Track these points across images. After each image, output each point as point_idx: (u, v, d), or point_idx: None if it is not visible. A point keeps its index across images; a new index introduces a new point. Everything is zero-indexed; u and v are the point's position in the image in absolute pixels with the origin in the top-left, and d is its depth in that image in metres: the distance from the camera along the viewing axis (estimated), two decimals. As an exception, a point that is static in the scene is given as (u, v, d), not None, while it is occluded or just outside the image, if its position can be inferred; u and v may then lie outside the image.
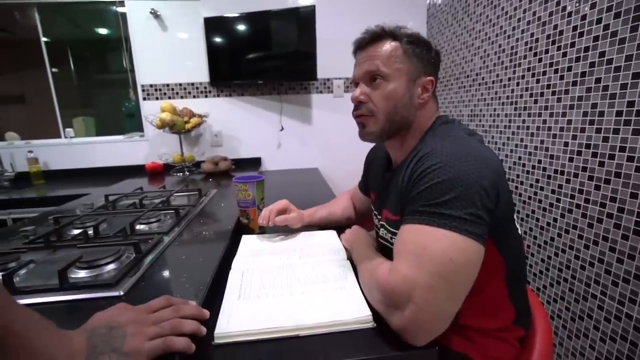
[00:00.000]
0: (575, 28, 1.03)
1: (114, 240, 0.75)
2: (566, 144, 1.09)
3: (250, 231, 0.93)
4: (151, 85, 1.89)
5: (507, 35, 1.33)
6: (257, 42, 1.84)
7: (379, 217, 0.74)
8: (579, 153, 1.05)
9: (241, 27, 1.82)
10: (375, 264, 0.58)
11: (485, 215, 0.48)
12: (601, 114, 0.97)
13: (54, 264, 0.66)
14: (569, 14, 1.05)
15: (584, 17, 1.00)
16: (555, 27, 1.10)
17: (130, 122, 2.23)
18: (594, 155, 1.00)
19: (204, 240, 0.81)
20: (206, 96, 1.94)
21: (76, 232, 0.85)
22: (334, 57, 1.95)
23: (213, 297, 0.58)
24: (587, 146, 1.02)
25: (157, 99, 1.90)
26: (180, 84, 1.90)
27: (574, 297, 1.09)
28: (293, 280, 0.63)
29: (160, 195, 1.18)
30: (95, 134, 2.18)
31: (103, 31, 2.26)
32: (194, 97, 1.93)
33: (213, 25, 1.81)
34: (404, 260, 0.49)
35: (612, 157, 0.94)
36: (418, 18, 2.04)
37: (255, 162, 2.04)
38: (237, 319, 0.52)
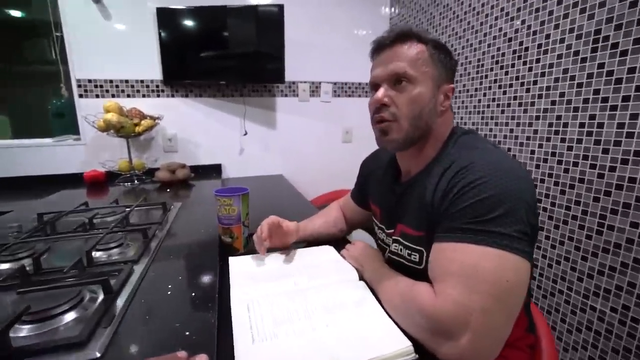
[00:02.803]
0: (540, 46, 1.12)
1: (69, 277, 0.58)
2: (532, 152, 1.17)
3: (234, 251, 0.82)
4: (90, 81, 1.61)
5: (474, 48, 1.41)
6: (217, 38, 1.69)
7: (389, 231, 0.70)
8: (545, 160, 1.13)
9: (200, 21, 1.66)
10: (407, 286, 0.53)
11: (530, 231, 0.46)
12: (565, 125, 1.05)
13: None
14: (534, 32, 1.13)
15: (548, 37, 1.09)
16: (521, 43, 1.18)
17: (60, 123, 1.89)
18: (559, 162, 1.08)
19: (187, 267, 0.68)
20: (158, 95, 1.72)
21: (6, 266, 0.66)
22: (299, 60, 1.89)
23: (222, 342, 0.47)
24: (553, 154, 1.10)
25: (97, 96, 1.63)
26: (127, 81, 1.66)
27: (541, 294, 1.17)
28: (310, 311, 0.55)
29: (114, 211, 0.99)
30: (10, 136, 1.80)
31: (18, 13, 1.88)
32: (144, 96, 1.70)
33: (167, 17, 1.61)
34: (453, 282, 0.45)
35: (576, 164, 1.03)
36: (380, 28, 2.08)
37: (215, 169, 1.87)
38: (260, 370, 0.42)
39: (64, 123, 1.83)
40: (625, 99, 0.89)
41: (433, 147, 0.61)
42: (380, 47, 0.61)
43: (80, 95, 1.61)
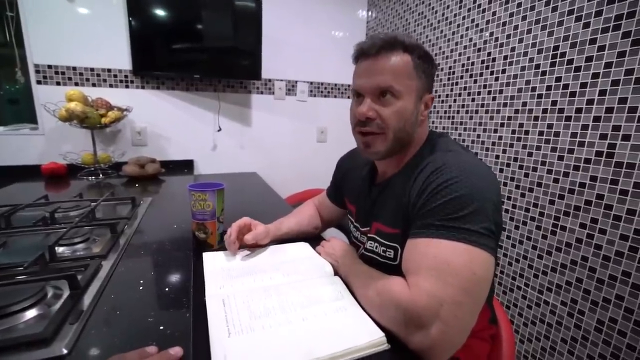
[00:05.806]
0: (505, 57, 1.19)
1: (30, 273, 0.55)
2: (497, 157, 1.25)
3: (208, 247, 0.80)
4: (50, 67, 1.51)
5: (446, 56, 1.47)
6: (191, 30, 1.64)
7: (364, 230, 0.72)
8: (508, 165, 1.21)
9: (173, 11, 1.60)
10: (381, 280, 0.55)
11: (495, 229, 0.50)
12: (527, 132, 1.13)
13: None
14: (501, 45, 1.21)
15: (513, 49, 1.17)
16: (489, 54, 1.26)
17: (13, 110, 1.75)
18: (520, 167, 1.16)
19: (159, 263, 0.66)
20: (127, 86, 1.64)
21: (-45, 261, 0.61)
22: (276, 58, 1.88)
23: (197, 336, 0.46)
24: (515, 159, 1.18)
25: (58, 83, 1.53)
26: (92, 69, 1.57)
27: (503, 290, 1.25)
28: (286, 305, 0.56)
29: (78, 205, 0.94)
30: (-46, 123, 1.64)
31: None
32: (111, 86, 1.61)
33: (137, 3, 1.54)
34: (425, 276, 0.47)
35: (535, 169, 1.11)
36: (357, 31, 2.11)
37: (187, 165, 1.81)
38: (237, 363, 0.42)
39: (17, 110, 1.70)
40: (578, 110, 0.97)
41: (410, 152, 0.64)
42: (363, 55, 0.60)
43: (39, 82, 1.50)
